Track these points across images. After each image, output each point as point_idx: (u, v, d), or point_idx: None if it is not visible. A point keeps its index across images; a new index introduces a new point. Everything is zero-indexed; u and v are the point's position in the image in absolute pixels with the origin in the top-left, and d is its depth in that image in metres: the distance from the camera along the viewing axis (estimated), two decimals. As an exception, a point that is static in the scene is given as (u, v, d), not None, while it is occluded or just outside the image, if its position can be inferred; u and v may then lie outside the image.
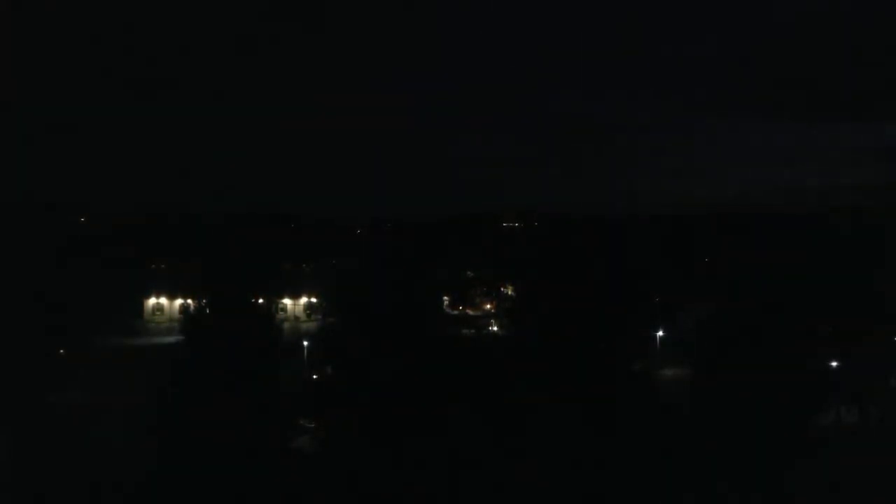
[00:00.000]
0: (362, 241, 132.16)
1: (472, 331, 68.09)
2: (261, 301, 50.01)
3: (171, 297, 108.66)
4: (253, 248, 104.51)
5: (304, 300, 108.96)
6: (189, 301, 77.54)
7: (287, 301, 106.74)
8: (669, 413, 43.50)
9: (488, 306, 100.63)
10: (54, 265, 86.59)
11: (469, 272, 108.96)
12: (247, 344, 43.08)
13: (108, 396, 55.76)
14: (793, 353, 44.45)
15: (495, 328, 75.11)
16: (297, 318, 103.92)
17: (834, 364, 54.01)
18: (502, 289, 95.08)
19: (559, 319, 44.18)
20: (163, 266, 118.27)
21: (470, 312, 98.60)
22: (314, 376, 51.65)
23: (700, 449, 40.46)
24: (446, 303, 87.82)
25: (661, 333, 69.50)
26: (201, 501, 37.85)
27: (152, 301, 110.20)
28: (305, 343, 60.77)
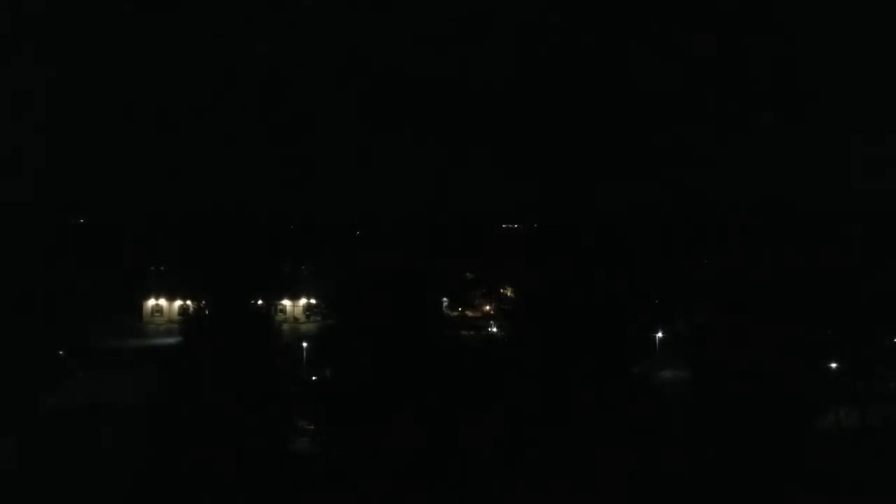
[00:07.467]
0: (362, 242, 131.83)
1: (472, 332, 67.92)
2: (260, 302, 50.02)
3: (171, 298, 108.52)
4: (252, 249, 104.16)
5: (303, 301, 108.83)
6: (188, 302, 77.34)
7: (286, 302, 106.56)
8: (668, 415, 43.50)
9: (487, 308, 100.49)
10: (54, 266, 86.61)
11: (468, 273, 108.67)
12: (246, 345, 43.07)
13: (107, 398, 55.70)
14: (792, 355, 44.43)
15: (494, 330, 74.95)
16: (296, 320, 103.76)
17: (834, 366, 53.99)
18: (501, 290, 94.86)
19: (558, 321, 44.17)
20: (162, 267, 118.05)
21: (469, 314, 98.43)
22: (313, 378, 51.57)
23: (699, 451, 40.43)
24: (445, 304, 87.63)
25: (660, 335, 69.49)
26: (200, 503, 37.85)
27: (151, 302, 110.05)
28: (304, 344, 60.57)
